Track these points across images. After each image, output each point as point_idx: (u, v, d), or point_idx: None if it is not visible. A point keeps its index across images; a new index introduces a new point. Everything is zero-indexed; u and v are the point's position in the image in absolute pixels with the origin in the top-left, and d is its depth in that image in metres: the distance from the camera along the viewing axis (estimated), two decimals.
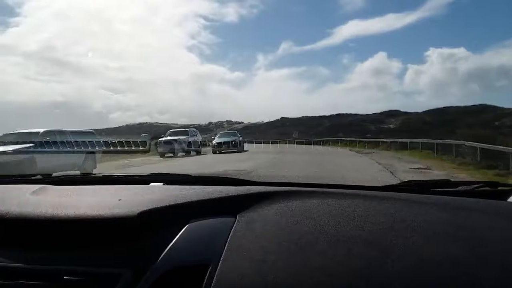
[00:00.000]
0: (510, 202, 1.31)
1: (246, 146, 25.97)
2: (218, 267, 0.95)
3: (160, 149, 20.95)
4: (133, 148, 11.35)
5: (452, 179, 1.56)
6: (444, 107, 57.64)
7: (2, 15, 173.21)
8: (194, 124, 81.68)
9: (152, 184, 1.62)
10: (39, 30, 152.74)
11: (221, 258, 0.97)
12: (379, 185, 1.51)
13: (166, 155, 20.65)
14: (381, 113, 63.11)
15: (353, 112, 68.06)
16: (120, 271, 1.02)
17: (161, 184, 1.61)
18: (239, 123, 79.06)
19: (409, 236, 1.00)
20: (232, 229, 1.08)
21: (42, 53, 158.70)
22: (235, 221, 1.13)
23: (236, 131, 22.27)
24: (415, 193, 1.35)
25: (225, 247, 1.01)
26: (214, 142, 24.80)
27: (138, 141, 12.12)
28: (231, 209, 1.18)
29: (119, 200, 1.25)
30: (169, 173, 1.86)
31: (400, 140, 26.00)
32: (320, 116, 66.49)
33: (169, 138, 22.22)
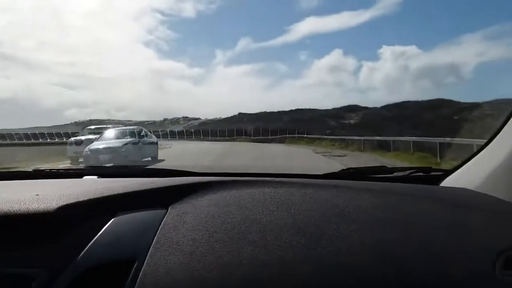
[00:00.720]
0: (441, 186, 1.35)
1: (178, 147, 21.90)
2: (145, 263, 0.91)
3: (71, 153, 14.07)
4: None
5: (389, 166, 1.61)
6: (402, 102, 57.13)
7: None
8: (149, 122, 77.25)
9: (85, 177, 1.56)
10: None
11: (148, 253, 0.93)
12: (321, 173, 1.50)
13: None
14: (341, 108, 61.85)
15: (312, 107, 66.34)
16: (35, 271, 0.96)
17: (96, 177, 1.55)
18: (196, 119, 75.16)
19: (340, 222, 1.02)
20: (162, 222, 1.04)
21: None
22: (166, 213, 1.09)
23: (142, 128, 14.94)
24: (352, 180, 1.37)
25: (154, 241, 0.97)
26: (89, 148, 11.96)
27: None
28: (163, 201, 1.14)
29: (37, 195, 1.15)
30: (104, 166, 1.91)
31: (378, 138, 21.08)
32: (278, 112, 64.10)
33: (89, 136, 14.62)
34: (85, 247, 0.99)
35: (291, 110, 63.64)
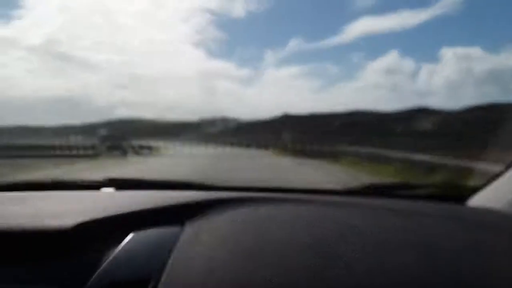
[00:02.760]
0: (467, 206, 1.30)
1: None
2: (160, 282, 0.88)
3: None
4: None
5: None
6: (489, 104, 45.89)
7: (4, 7, 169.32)
8: (184, 121, 71.71)
9: (102, 190, 1.56)
10: (43, 23, 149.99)
11: (164, 273, 0.91)
12: (340, 188, 1.49)
13: None
14: (406, 111, 51.44)
15: (370, 109, 56.36)
16: None
17: (113, 189, 1.55)
18: (235, 119, 68.33)
19: (358, 243, 0.99)
20: (179, 239, 1.03)
21: (46, 47, 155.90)
22: (182, 230, 1.08)
23: None
24: (373, 197, 1.36)
25: (170, 259, 0.95)
26: None
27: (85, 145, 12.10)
28: (179, 217, 1.14)
29: (36, 212, 1.16)
30: (121, 178, 1.69)
31: None
32: (330, 114, 54.88)
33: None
34: (101, 265, 0.97)
35: (345, 113, 54.25)
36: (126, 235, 1.05)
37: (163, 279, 0.89)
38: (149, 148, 21.06)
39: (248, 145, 22.58)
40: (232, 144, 24.21)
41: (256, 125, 57.03)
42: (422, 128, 40.83)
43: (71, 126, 58.17)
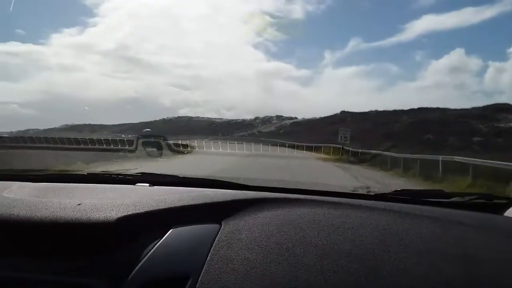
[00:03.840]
0: (506, 216, 1.26)
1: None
2: (199, 280, 0.90)
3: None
4: (118, 146, 10.62)
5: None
6: None
7: (81, 15, 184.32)
8: (237, 120, 69.88)
9: (137, 184, 1.57)
10: (115, 29, 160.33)
11: (203, 270, 0.93)
12: (372, 193, 1.46)
13: None
14: (486, 108, 44.39)
15: (440, 106, 49.60)
16: (94, 282, 0.97)
17: (147, 185, 1.56)
18: (291, 118, 64.66)
19: (400, 252, 0.96)
20: (216, 238, 1.04)
21: (118, 51, 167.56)
22: (220, 228, 1.08)
23: None
24: (407, 203, 1.32)
25: (208, 258, 0.96)
26: None
27: (125, 139, 11.23)
28: (216, 215, 1.14)
29: (79, 204, 1.17)
30: (156, 173, 1.77)
31: None
32: (395, 111, 49.07)
33: None
34: (141, 259, 0.98)
35: (413, 109, 48.16)
36: (165, 231, 1.07)
37: (201, 277, 0.89)
38: (185, 146, 19.40)
39: (298, 147, 18.71)
40: (277, 144, 20.76)
41: (312, 123, 52.97)
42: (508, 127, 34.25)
43: (130, 124, 58.59)
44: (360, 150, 18.08)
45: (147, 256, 1.00)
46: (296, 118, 64.37)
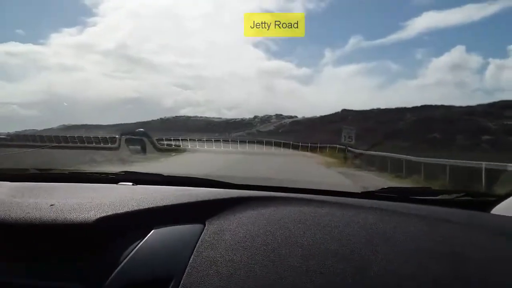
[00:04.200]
0: (493, 214, 1.26)
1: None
2: (181, 282, 0.89)
3: None
4: (101, 145, 10.40)
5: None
6: None
7: (81, 15, 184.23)
8: (237, 119, 68.49)
9: (120, 183, 1.55)
10: (115, 29, 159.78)
11: (185, 272, 0.91)
12: (358, 191, 1.44)
13: None
14: (491, 105, 42.77)
15: (444, 103, 47.90)
16: (72, 286, 0.95)
17: (130, 184, 1.54)
18: (291, 117, 63.17)
19: (388, 251, 0.95)
20: (200, 239, 1.02)
21: (118, 51, 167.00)
22: (203, 228, 1.07)
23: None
24: (394, 201, 1.31)
25: (191, 259, 0.94)
26: None
27: (108, 137, 11.05)
28: (199, 215, 1.12)
29: (51, 205, 1.14)
30: (140, 172, 1.76)
31: None
32: (397, 109, 47.50)
33: None
34: (122, 261, 0.95)
35: (416, 107, 46.58)
36: (147, 231, 1.04)
37: (184, 279, 0.88)
38: (175, 145, 18.69)
39: (295, 147, 16.97)
40: (274, 144, 18.99)
41: (312, 122, 51.48)
42: None
43: (127, 124, 57.27)
44: (366, 152, 15.85)
45: (127, 258, 0.96)
46: (296, 117, 62.89)
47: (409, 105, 48.25)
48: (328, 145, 17.84)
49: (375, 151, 15.56)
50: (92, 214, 1.07)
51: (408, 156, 12.41)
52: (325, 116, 51.76)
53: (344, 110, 50.73)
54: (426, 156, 11.87)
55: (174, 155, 15.86)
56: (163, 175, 1.70)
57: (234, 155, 13.69)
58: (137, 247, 0.99)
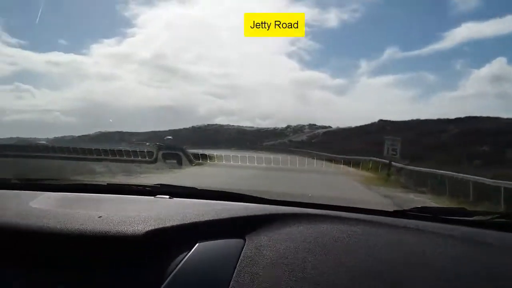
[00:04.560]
0: None
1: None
2: None
3: None
4: (139, 158, 10.50)
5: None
6: None
7: (120, 26, 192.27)
8: (269, 128, 67.42)
9: (158, 196, 1.58)
10: (152, 39, 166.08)
11: (230, 286, 0.93)
12: (391, 209, 1.45)
13: None
14: None
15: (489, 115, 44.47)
16: None
17: (167, 197, 1.58)
18: (325, 127, 61.39)
19: (428, 274, 0.95)
20: (242, 253, 1.04)
21: (154, 61, 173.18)
22: (244, 243, 1.09)
23: None
24: (428, 221, 1.30)
25: (234, 274, 0.96)
26: None
27: (145, 150, 10.97)
28: (239, 230, 1.15)
29: (99, 217, 1.18)
30: (175, 185, 1.77)
31: None
32: (439, 120, 44.78)
33: None
34: (169, 274, 0.98)
35: (459, 118, 43.66)
36: (191, 245, 1.07)
37: None
38: (205, 157, 18.78)
39: (329, 159, 15.27)
40: (306, 155, 17.54)
41: (347, 132, 49.51)
42: None
43: (159, 131, 57.90)
44: (414, 168, 12.88)
45: (175, 271, 0.99)
46: (329, 127, 61.02)
47: (451, 116, 45.19)
48: (366, 158, 15.86)
49: (416, 165, 13.40)
50: (141, 227, 1.09)
51: (480, 178, 9.51)
52: (361, 126, 49.67)
53: (381, 121, 48.47)
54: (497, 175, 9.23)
55: (206, 167, 15.63)
56: (197, 189, 1.73)
57: (261, 170, 12.88)
58: (183, 261, 1.01)
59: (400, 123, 45.54)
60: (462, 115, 44.69)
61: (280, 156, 19.15)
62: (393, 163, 13.53)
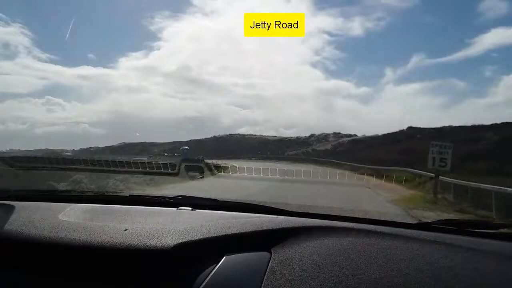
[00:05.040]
0: None
1: None
2: None
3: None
4: (161, 170, 10.30)
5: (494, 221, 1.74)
6: None
7: (146, 40, 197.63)
8: (291, 138, 65.67)
9: (180, 208, 1.60)
10: (177, 52, 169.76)
11: None
12: (414, 221, 1.45)
13: None
14: None
15: None
16: None
17: (190, 208, 1.59)
18: (350, 135, 58.98)
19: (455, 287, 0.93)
20: (268, 267, 1.04)
21: (179, 73, 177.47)
22: (270, 256, 1.09)
23: None
24: (453, 234, 1.29)
25: (262, 286, 0.96)
26: None
27: (168, 163, 10.86)
28: (265, 243, 1.15)
29: (125, 230, 1.19)
30: (196, 197, 1.77)
31: None
32: (473, 126, 41.70)
33: None
34: (199, 287, 0.98)
35: (495, 124, 40.44)
36: (219, 258, 1.07)
37: None
38: (224, 168, 19.38)
39: (355, 169, 13.17)
40: (330, 165, 15.77)
41: (374, 140, 47.03)
42: None
43: (180, 142, 57.32)
44: (468, 184, 9.64)
45: (204, 283, 0.98)
46: (355, 135, 58.53)
47: (486, 123, 41.90)
48: (398, 169, 13.31)
49: (465, 178, 11.05)
50: (169, 240, 1.08)
51: None
52: (388, 134, 46.98)
53: (410, 128, 45.66)
54: None
55: (223, 178, 15.33)
56: (218, 200, 1.71)
57: (279, 180, 11.90)
58: (211, 274, 1.00)
59: (431, 130, 42.64)
60: (499, 121, 41.41)
61: (300, 167, 17.65)
62: (442, 177, 10.72)
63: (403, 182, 11.86)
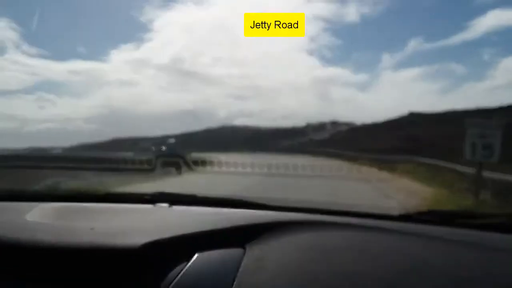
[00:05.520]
0: None
1: None
2: None
3: None
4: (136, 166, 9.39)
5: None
6: None
7: (137, 31, 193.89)
8: (287, 128, 63.57)
9: (157, 204, 1.56)
10: (169, 43, 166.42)
11: None
12: (397, 213, 1.40)
13: None
14: None
15: None
16: None
17: (167, 205, 1.56)
18: (348, 124, 56.92)
19: (440, 284, 0.92)
20: (242, 264, 1.02)
21: (172, 65, 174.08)
22: (244, 253, 1.07)
23: None
24: (435, 225, 1.27)
25: (233, 286, 0.94)
26: None
27: (145, 159, 10.18)
28: (239, 239, 1.13)
29: (91, 229, 1.16)
30: (174, 193, 1.71)
31: None
32: (479, 110, 39.43)
33: None
34: (168, 286, 0.96)
35: (502, 107, 38.23)
36: (190, 256, 1.05)
37: None
38: (204, 163, 17.61)
39: (353, 159, 11.10)
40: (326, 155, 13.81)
41: (374, 128, 44.85)
42: None
43: (171, 135, 55.06)
44: None
45: (173, 283, 0.97)
46: (353, 123, 56.40)
47: (487, 106, 39.62)
48: (406, 158, 10.65)
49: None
50: (137, 239, 1.06)
51: None
52: (388, 121, 44.71)
53: (411, 114, 43.44)
54: None
55: (207, 173, 14.13)
56: (197, 196, 1.68)
57: (265, 178, 10.82)
58: (181, 273, 0.99)
59: (434, 115, 40.42)
60: (506, 103, 39.15)
61: (293, 160, 15.90)
62: (485, 172, 7.53)
63: (415, 175, 9.41)
